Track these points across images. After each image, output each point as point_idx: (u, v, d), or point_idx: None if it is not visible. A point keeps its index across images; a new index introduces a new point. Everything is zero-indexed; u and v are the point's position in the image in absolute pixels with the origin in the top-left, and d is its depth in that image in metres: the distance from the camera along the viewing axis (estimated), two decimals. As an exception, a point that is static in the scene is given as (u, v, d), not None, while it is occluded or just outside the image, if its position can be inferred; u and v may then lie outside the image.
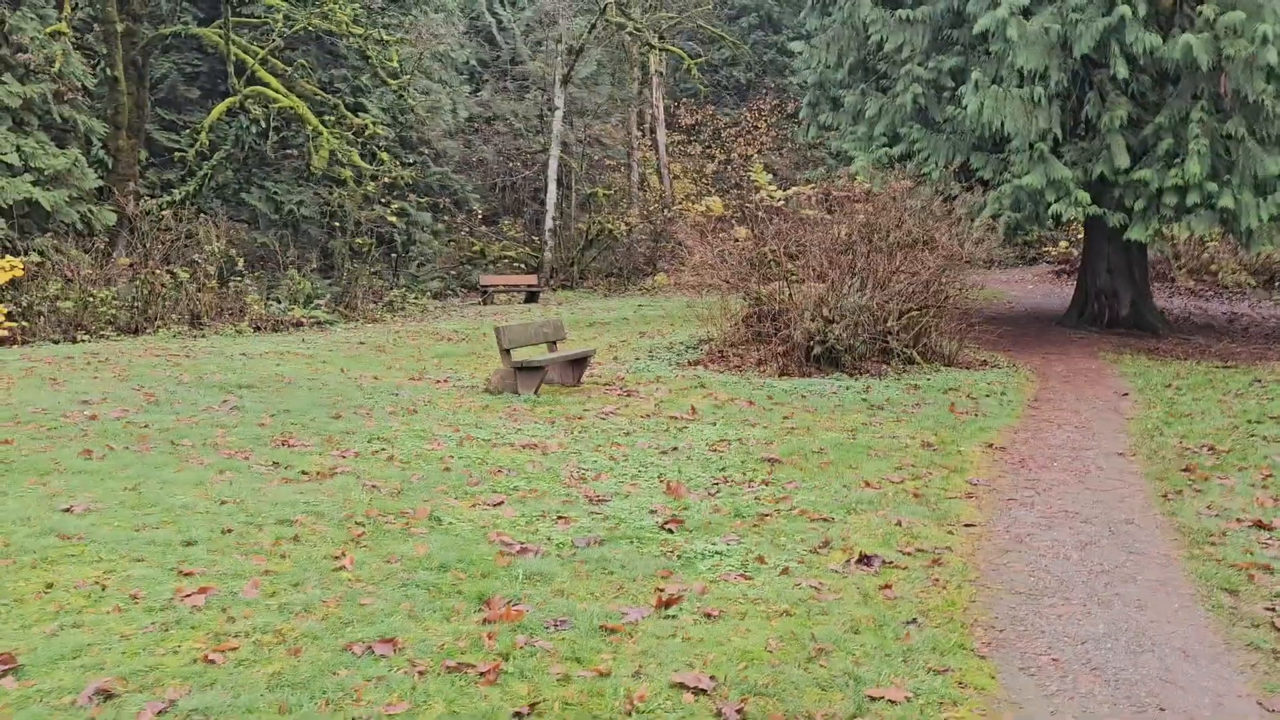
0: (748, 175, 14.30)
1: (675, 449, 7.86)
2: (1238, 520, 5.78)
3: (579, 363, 11.69)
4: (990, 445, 8.03)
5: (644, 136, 38.33)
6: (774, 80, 40.83)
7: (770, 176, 14.54)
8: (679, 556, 4.92)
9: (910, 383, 11.19)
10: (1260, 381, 11.48)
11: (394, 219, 27.12)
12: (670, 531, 5.40)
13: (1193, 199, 12.88)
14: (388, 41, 27.31)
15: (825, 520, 5.65)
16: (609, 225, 29.70)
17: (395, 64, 27.58)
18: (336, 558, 4.92)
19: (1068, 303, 18.60)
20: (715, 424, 8.96)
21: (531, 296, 26.32)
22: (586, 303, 25.37)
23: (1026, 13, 14.02)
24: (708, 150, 39.41)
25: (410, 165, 28.42)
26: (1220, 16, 12.47)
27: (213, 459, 7.13)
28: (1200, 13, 13.00)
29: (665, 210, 31.49)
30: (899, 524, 5.56)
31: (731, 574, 4.64)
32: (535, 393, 10.62)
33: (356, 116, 27.02)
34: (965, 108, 14.08)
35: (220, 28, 22.42)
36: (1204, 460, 7.41)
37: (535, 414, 9.53)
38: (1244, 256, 24.83)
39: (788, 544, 5.18)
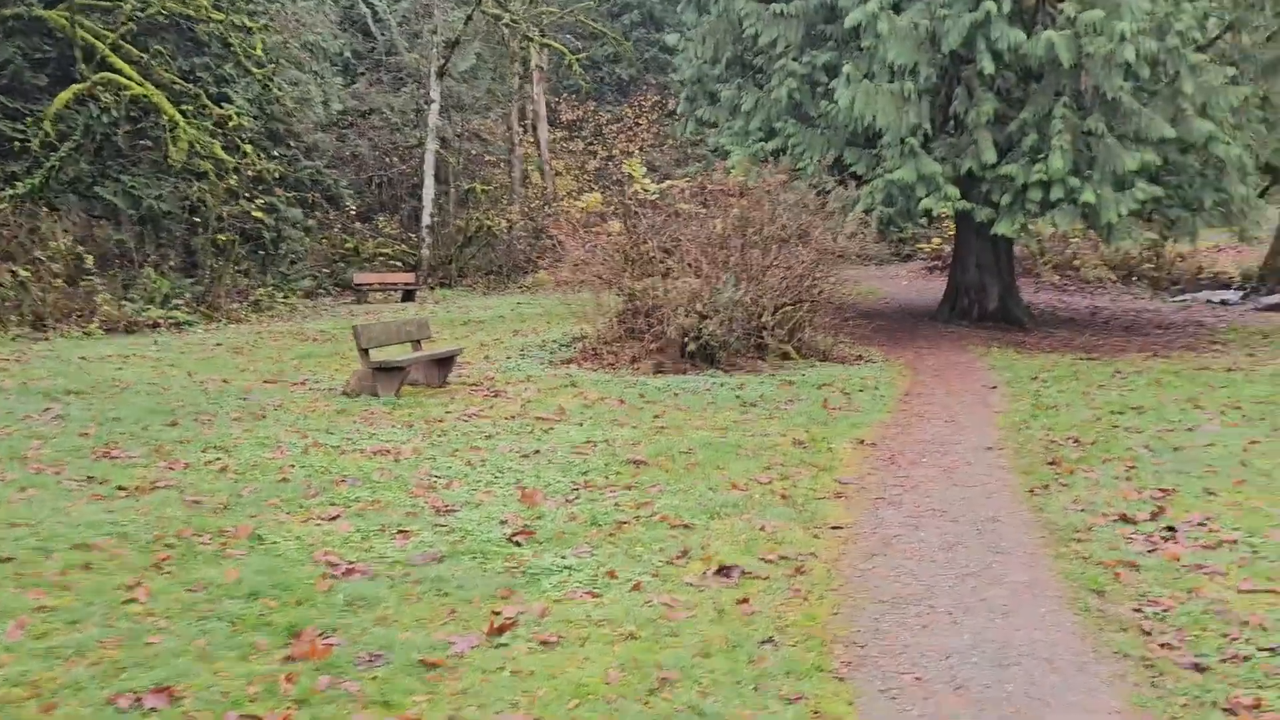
0: (622, 169, 13.99)
1: (537, 452, 7.40)
2: (1103, 514, 5.69)
3: (445, 362, 11.10)
4: (861, 441, 7.85)
5: (526, 132, 37.65)
6: (656, 77, 40.71)
7: (645, 170, 14.21)
8: (524, 573, 4.48)
9: (785, 378, 11.02)
10: (1120, 373, 11.76)
11: (260, 214, 25.75)
12: (519, 544, 4.94)
13: (1056, 194, 13.15)
14: (251, 28, 25.92)
15: (686, 527, 5.30)
16: (488, 222, 28.96)
17: (260, 52, 26.21)
18: (130, 588, 4.29)
19: (940, 298, 18.93)
20: (583, 425, 8.55)
21: (408, 295, 25.41)
22: (465, 301, 24.63)
23: (897, 8, 14.10)
24: (590, 147, 39.03)
25: (277, 159, 27.05)
26: (1081, 14, 12.76)
27: (17, 474, 6.32)
28: (1062, 10, 13.29)
29: (546, 207, 30.95)
30: (763, 529, 5.25)
31: (578, 591, 4.22)
32: (396, 395, 9.98)
33: (220, 107, 25.55)
34: (838, 102, 14.06)
35: (66, 10, 20.77)
36: (1069, 453, 7.39)
37: (394, 417, 8.93)
38: (1105, 252, 25.89)
39: (644, 555, 4.79)
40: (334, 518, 5.42)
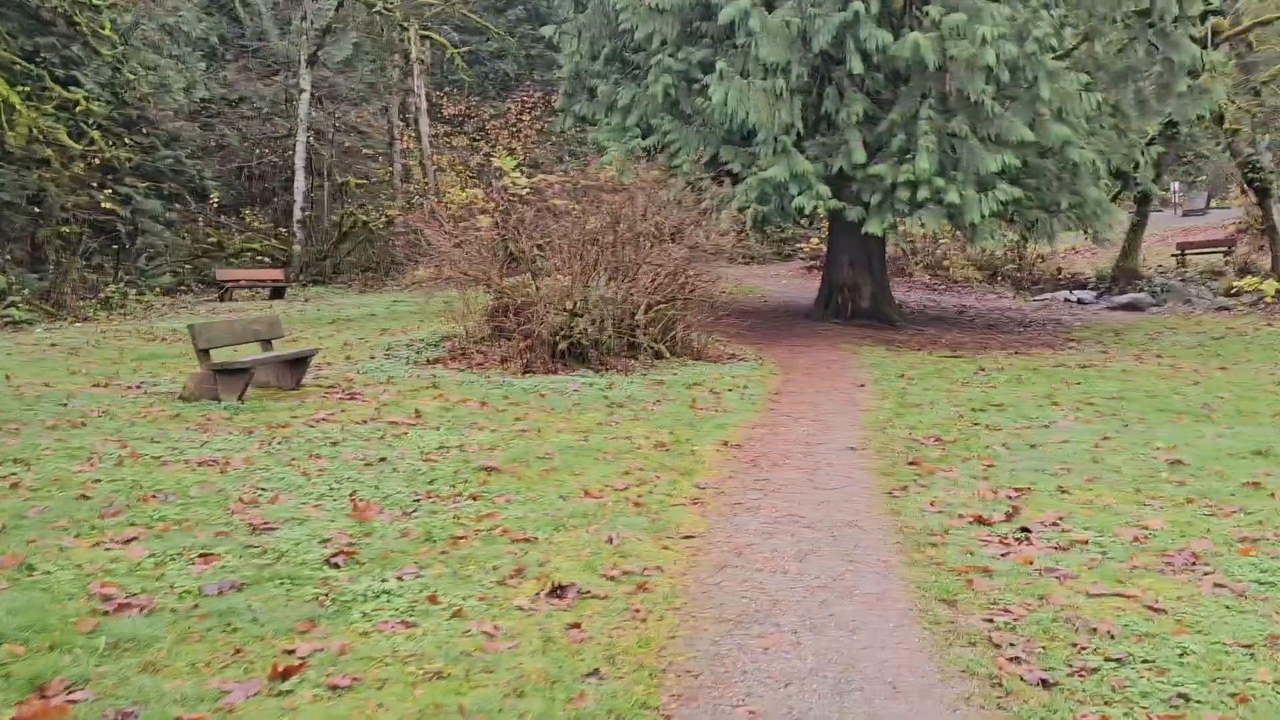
0: (492, 163, 13.42)
1: (384, 460, 6.89)
2: (960, 516, 5.57)
3: (298, 363, 10.40)
4: (726, 443, 7.62)
5: (407, 126, 36.54)
6: (541, 74, 40.14)
7: (517, 164, 13.75)
8: (334, 601, 4.01)
9: (655, 378, 10.75)
10: (984, 370, 11.95)
11: (112, 205, 24.10)
12: (336, 566, 4.46)
13: (923, 194, 13.31)
14: (99, 5, 24.23)
15: (528, 541, 4.91)
16: (364, 218, 27.88)
17: (110, 33, 24.54)
18: None
19: (815, 295, 19.07)
20: (439, 429, 8.06)
21: (277, 293, 24.22)
22: (338, 299, 23.62)
23: (769, 6, 14.05)
24: (474, 143, 38.17)
25: (131, 146, 25.37)
26: (945, 18, 12.94)
27: None
28: (927, 13, 13.47)
29: (438, 200, 30.01)
30: (610, 541, 4.91)
31: (391, 621, 3.78)
32: (240, 399, 9.26)
33: (67, 90, 23.78)
34: (712, 99, 13.90)
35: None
36: (930, 452, 7.33)
37: (233, 423, 8.24)
38: (972, 252, 26.73)
39: (475, 574, 4.39)
40: (129, 540, 4.82)
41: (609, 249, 12.10)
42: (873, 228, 13.90)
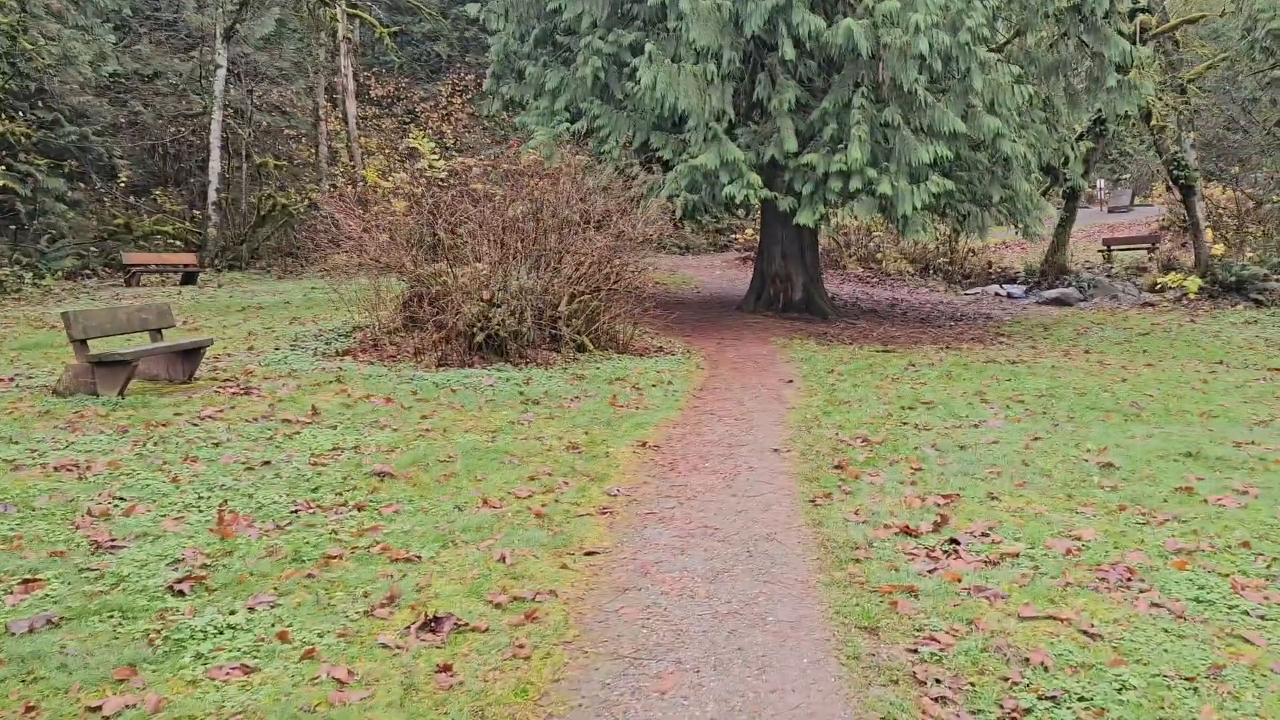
0: (407, 144, 12.69)
1: (268, 463, 6.29)
2: (885, 526, 5.21)
3: (190, 355, 9.67)
4: (644, 444, 7.17)
5: (334, 108, 35.32)
6: (475, 57, 39.19)
7: (432, 145, 13.07)
8: (167, 639, 3.45)
9: (577, 372, 10.26)
10: (914, 365, 11.71)
11: (8, 183, 22.72)
12: (181, 594, 3.90)
13: (855, 185, 13.02)
14: (-9, -30, 22.80)
15: (409, 561, 4.39)
16: (284, 200, 26.76)
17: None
18: None
19: (748, 287, 18.75)
20: (336, 428, 7.46)
21: (189, 278, 23.09)
22: (255, 285, 22.62)
23: (701, -13, 13.59)
24: (403, 126, 37.10)
25: (30, 121, 23.95)
26: (878, 4, 12.64)
27: None
28: (861, 0, 13.16)
29: (353, 186, 28.97)
30: (503, 560, 4.42)
31: (228, 666, 3.24)
32: (120, 393, 8.53)
33: (-44, 59, 22.34)
34: (640, 82, 13.41)
35: None
36: (856, 454, 6.97)
37: (108, 421, 7.54)
38: (904, 245, 26.73)
39: (341, 603, 3.86)
40: (-56, 563, 4.18)
41: (531, 237, 11.56)
42: (804, 218, 13.57)
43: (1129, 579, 4.51)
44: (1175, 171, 19.56)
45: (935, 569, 4.57)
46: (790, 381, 10.41)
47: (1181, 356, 13.08)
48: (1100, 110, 16.36)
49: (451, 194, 11.44)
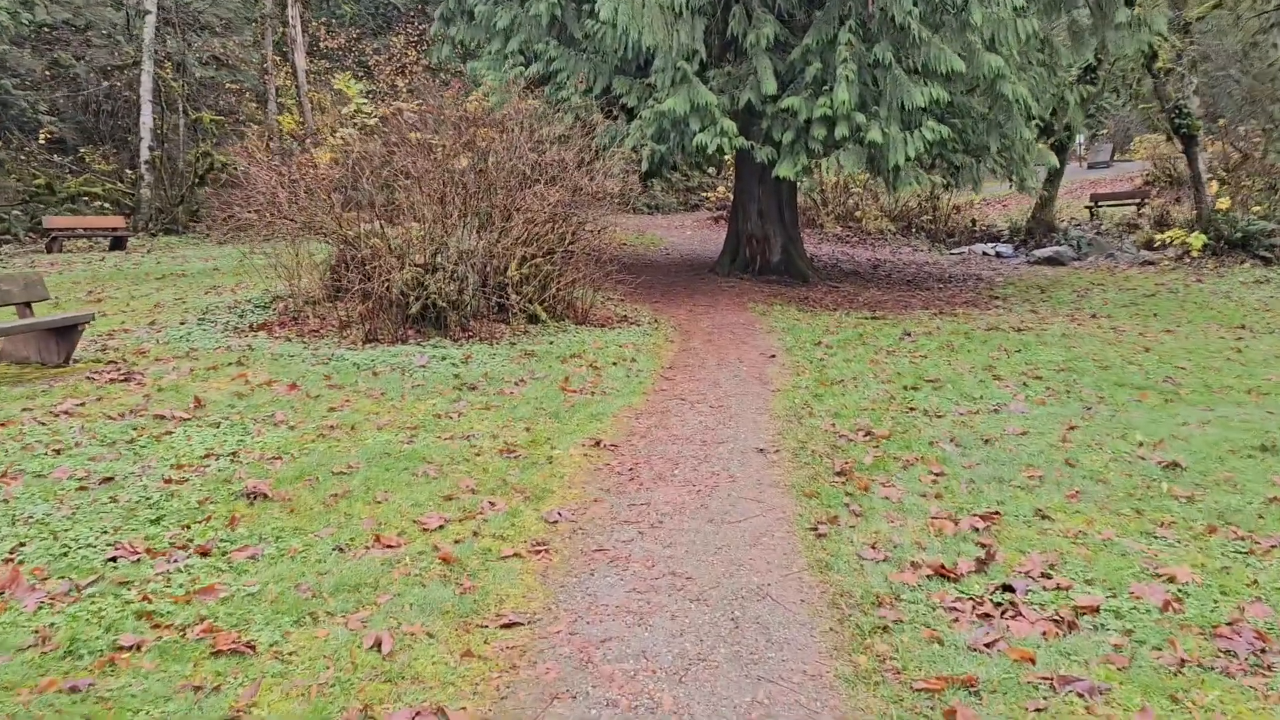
0: (334, 87, 10.94)
1: (109, 480, 4.86)
2: (913, 565, 3.89)
3: (65, 333, 8.15)
4: (598, 443, 5.80)
5: (283, 61, 33.23)
6: (433, 9, 37.09)
7: (360, 87, 11.48)
8: None
9: (526, 348, 8.84)
10: (910, 335, 10.40)
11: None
12: None
13: (841, 132, 11.60)
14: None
15: (238, 653, 3.01)
16: (222, 158, 24.86)
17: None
18: None
19: (721, 247, 17.33)
20: (219, 425, 6.02)
21: (118, 243, 21.29)
22: (189, 250, 20.86)
23: (667, -93, 12.00)
24: (356, 80, 35.06)
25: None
26: (867, -75, 11.15)
27: None
28: (847, -79, 11.66)
29: (303, 144, 27.12)
30: (378, 647, 3.05)
31: None
32: (-33, 383, 7.02)
33: None
34: (599, 15, 11.86)
35: None
36: (861, 454, 5.64)
37: (-62, 419, 6.05)
38: (885, 202, 25.40)
39: (100, 749, 2.48)
40: None
41: (476, 192, 10.06)
42: (784, 170, 12.14)
43: (1261, 649, 3.23)
44: (1177, 120, 18.29)
45: (994, 639, 3.26)
46: (773, 356, 9.06)
47: (1197, 320, 11.88)
48: (1096, 52, 14.99)
49: (383, 143, 9.91)
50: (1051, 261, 19.08)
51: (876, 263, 19.41)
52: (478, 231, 9.99)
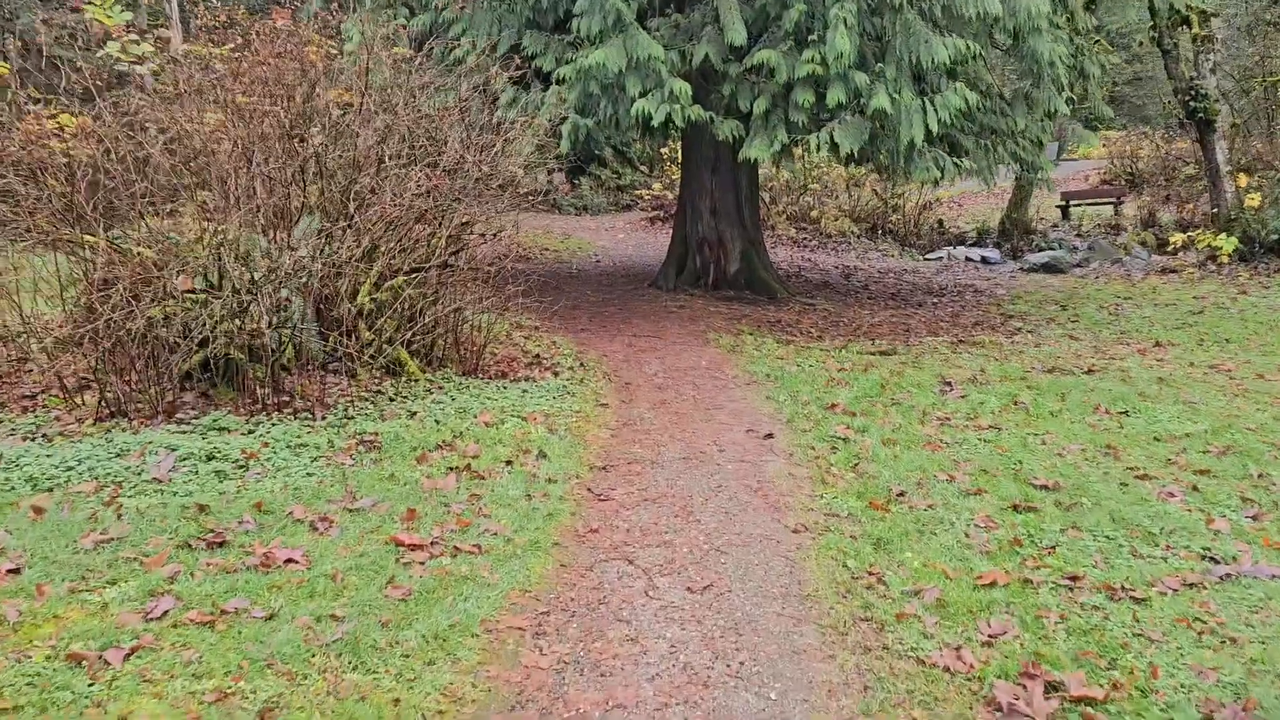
0: (84, 16, 7.48)
1: None
2: None
3: None
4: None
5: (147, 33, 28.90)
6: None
7: (119, 9, 7.85)
8: None
9: (366, 429, 5.30)
10: (950, 386, 7.15)
11: None
12: None
13: (836, 97, 8.33)
14: None
15: None
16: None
17: None
18: None
19: (664, 255, 13.95)
20: None
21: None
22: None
23: None
24: (237, 55, 30.83)
25: None
26: None
27: None
28: None
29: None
30: None
31: None
32: None
33: None
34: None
35: None
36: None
37: None
38: (843, 201, 22.43)
39: None
40: None
41: (308, 179, 6.53)
42: (757, 151, 8.80)
43: None
44: (1192, 103, 15.58)
45: None
46: (769, 436, 5.67)
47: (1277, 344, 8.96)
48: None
49: (138, 100, 6.30)
50: (1049, 269, 16.19)
51: (847, 271, 16.26)
52: (312, 238, 6.46)
